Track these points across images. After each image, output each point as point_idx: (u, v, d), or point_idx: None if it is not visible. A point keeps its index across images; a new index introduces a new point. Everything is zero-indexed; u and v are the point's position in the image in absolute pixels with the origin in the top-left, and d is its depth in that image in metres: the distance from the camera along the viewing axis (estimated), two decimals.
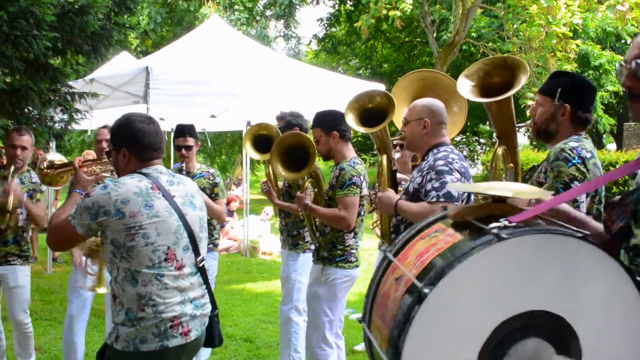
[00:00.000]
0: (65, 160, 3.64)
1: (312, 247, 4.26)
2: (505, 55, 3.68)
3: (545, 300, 1.34)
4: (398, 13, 11.25)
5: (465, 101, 3.23)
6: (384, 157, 3.12)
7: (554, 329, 1.35)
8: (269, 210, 9.92)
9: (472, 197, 2.72)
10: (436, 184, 2.68)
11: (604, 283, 1.37)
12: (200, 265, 2.44)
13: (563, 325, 1.34)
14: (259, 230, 9.85)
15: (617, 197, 1.97)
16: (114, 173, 3.04)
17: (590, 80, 2.79)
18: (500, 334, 1.32)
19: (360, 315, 1.71)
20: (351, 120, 3.19)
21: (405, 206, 2.81)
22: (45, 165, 3.29)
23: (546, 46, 10.54)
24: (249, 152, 4.61)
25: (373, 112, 3.16)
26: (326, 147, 3.57)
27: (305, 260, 4.25)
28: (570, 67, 10.71)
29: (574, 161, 2.30)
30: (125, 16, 5.48)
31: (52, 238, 2.46)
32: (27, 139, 3.77)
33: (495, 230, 1.34)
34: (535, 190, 1.66)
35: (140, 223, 2.26)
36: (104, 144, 3.88)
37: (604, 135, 24.89)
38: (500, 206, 1.51)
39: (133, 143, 2.42)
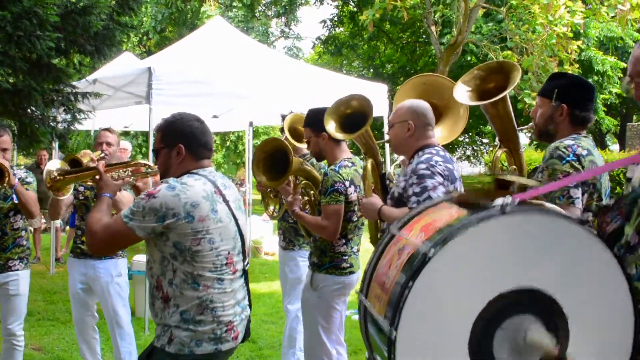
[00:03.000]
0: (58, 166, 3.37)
1: None
2: (501, 60, 3.74)
3: (538, 279, 1.37)
4: (405, 6, 11.25)
5: (466, 107, 3.24)
6: (369, 161, 3.05)
7: (544, 307, 1.39)
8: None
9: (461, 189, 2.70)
10: (417, 189, 2.59)
11: (595, 269, 1.42)
12: (246, 268, 2.48)
13: (555, 307, 1.39)
14: (262, 231, 9.85)
15: (611, 201, 2.05)
16: (142, 176, 3.02)
17: (592, 83, 2.83)
18: (497, 306, 1.35)
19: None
20: (332, 128, 3.12)
21: (388, 212, 2.75)
22: (56, 173, 3.02)
23: (548, 46, 10.51)
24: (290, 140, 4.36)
25: (353, 117, 3.09)
26: (316, 148, 3.44)
27: None
28: (571, 69, 10.68)
29: (568, 158, 2.34)
30: (127, 17, 5.49)
31: (99, 242, 2.30)
32: (5, 140, 3.65)
33: (501, 206, 1.37)
34: (533, 181, 1.70)
35: (208, 228, 2.24)
36: (105, 147, 3.85)
37: (607, 136, 24.83)
38: (504, 192, 1.54)
39: (189, 140, 2.39)
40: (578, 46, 11.07)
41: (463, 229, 1.35)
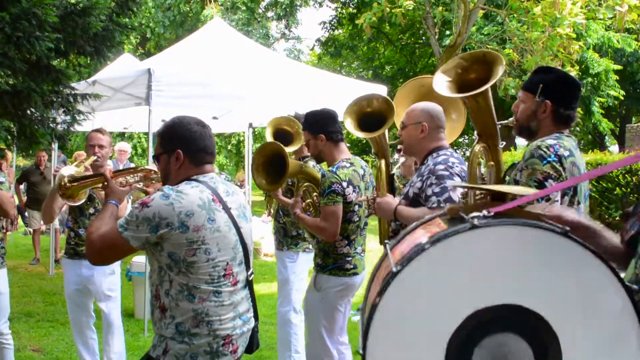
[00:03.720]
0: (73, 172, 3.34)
1: (311, 247, 4.27)
2: (485, 50, 3.60)
3: (521, 294, 1.29)
4: (402, 11, 11.24)
5: (464, 107, 3.21)
6: (382, 161, 3.08)
7: (530, 326, 1.29)
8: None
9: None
10: (437, 189, 2.64)
11: (586, 282, 1.30)
12: (250, 279, 2.39)
13: (541, 323, 1.29)
14: (261, 232, 9.85)
15: (632, 207, 1.91)
16: (150, 182, 2.93)
17: (582, 82, 2.74)
18: (472, 324, 1.28)
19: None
20: (349, 125, 3.15)
21: (405, 212, 2.76)
22: (66, 180, 3.00)
23: (549, 47, 10.51)
24: (266, 136, 4.54)
25: (372, 116, 3.14)
26: (315, 150, 3.46)
27: (304, 261, 4.24)
28: (574, 70, 10.66)
29: (549, 159, 2.22)
30: (127, 18, 5.48)
31: (96, 252, 2.25)
32: None
33: (472, 220, 1.30)
34: (532, 190, 1.64)
35: (203, 238, 2.16)
36: (97, 150, 3.79)
37: (606, 137, 24.85)
38: (496, 204, 1.49)
39: (188, 145, 2.30)
40: (580, 46, 11.05)
41: (429, 246, 1.29)
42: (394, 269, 1.29)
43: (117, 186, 2.62)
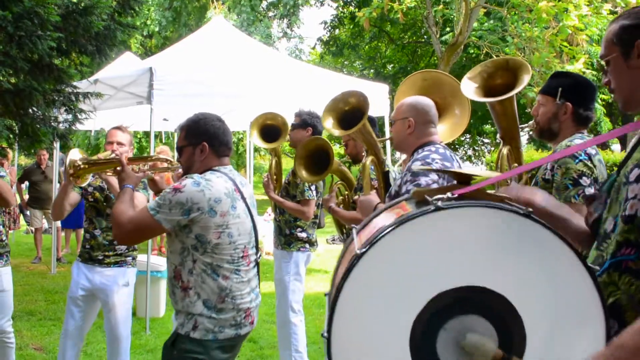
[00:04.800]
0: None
1: (307, 246, 4.27)
2: (508, 57, 3.68)
3: (485, 276, 1.28)
4: (402, 8, 11.24)
5: (468, 101, 3.20)
6: (369, 158, 3.07)
7: (494, 307, 1.29)
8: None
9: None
10: (410, 187, 2.55)
11: (549, 263, 1.29)
12: (259, 260, 2.69)
13: (505, 304, 1.29)
14: (263, 231, 9.85)
15: (595, 191, 2.01)
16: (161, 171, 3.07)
17: (592, 81, 2.82)
18: (436, 307, 1.28)
19: None
20: (329, 124, 3.13)
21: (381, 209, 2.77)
22: (80, 162, 3.03)
23: (552, 44, 10.46)
24: (253, 139, 4.60)
25: (351, 114, 3.09)
26: (354, 151, 3.72)
27: (299, 260, 4.23)
28: (583, 65, 10.55)
29: (580, 157, 2.34)
30: (129, 17, 5.49)
31: (128, 233, 2.43)
32: None
33: (436, 202, 1.30)
34: (494, 174, 1.66)
35: (227, 223, 2.42)
36: (115, 146, 3.64)
37: None
38: (462, 187, 1.48)
39: (213, 138, 2.54)
40: (587, 35, 10.93)
41: (394, 228, 1.29)
42: (358, 252, 1.29)
43: (132, 171, 2.76)
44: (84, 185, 3.53)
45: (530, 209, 1.32)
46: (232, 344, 2.51)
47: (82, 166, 3.08)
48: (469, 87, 2.95)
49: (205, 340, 2.41)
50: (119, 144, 3.68)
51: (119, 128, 3.79)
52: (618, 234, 1.48)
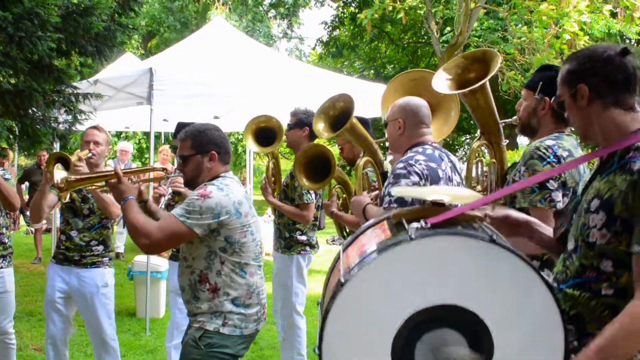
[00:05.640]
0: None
1: (308, 249, 4.23)
2: (484, 49, 3.63)
3: (456, 295, 1.46)
4: (405, 7, 11.23)
5: (457, 100, 3.17)
6: (363, 159, 3.08)
7: (465, 322, 1.46)
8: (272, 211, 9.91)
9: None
10: (390, 189, 2.56)
11: (512, 281, 1.47)
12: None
13: (474, 319, 1.45)
14: (263, 232, 9.84)
15: (564, 206, 2.16)
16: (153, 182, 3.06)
17: None
18: (413, 323, 1.46)
19: None
20: (321, 128, 3.15)
21: (371, 211, 2.78)
22: (73, 178, 2.91)
23: (553, 45, 10.46)
24: (248, 144, 4.52)
25: (341, 118, 3.10)
26: (350, 155, 3.77)
27: (300, 263, 4.20)
28: None
29: (548, 160, 2.24)
30: (129, 18, 5.49)
31: (159, 242, 2.50)
32: None
33: (411, 231, 1.48)
34: (472, 194, 1.73)
35: (249, 222, 2.62)
36: (92, 146, 3.60)
37: None
38: (435, 209, 1.61)
39: (219, 147, 2.69)
40: (585, 42, 10.95)
41: (374, 255, 1.48)
42: (342, 280, 1.47)
43: (128, 182, 2.73)
44: (66, 200, 3.34)
45: (495, 236, 1.49)
46: (251, 339, 2.69)
47: (74, 180, 2.98)
48: (442, 80, 2.87)
49: (234, 335, 2.56)
50: (96, 143, 3.63)
51: (95, 127, 3.75)
52: (582, 257, 1.66)
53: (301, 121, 4.14)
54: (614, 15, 11.37)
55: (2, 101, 4.51)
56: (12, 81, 4.66)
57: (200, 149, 2.67)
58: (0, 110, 4.60)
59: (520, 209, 2.21)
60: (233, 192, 2.58)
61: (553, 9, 10.09)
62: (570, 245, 1.72)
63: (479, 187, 2.90)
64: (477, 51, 2.99)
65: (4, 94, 4.46)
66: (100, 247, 3.69)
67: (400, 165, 2.60)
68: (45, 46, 4.28)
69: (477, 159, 2.95)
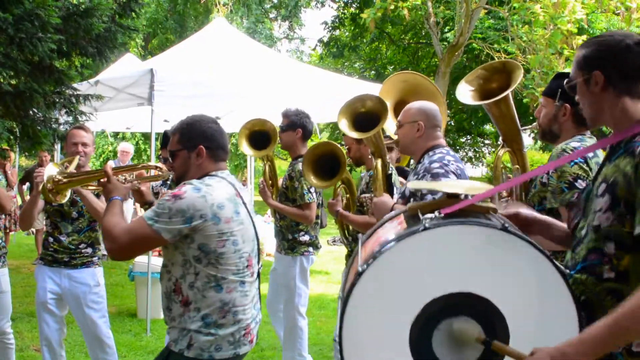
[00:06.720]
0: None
1: (311, 249, 4.22)
2: (504, 60, 3.78)
3: (470, 283, 1.49)
4: (408, 6, 11.25)
5: (445, 105, 3.28)
6: (379, 161, 3.10)
7: (480, 309, 1.49)
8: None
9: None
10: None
11: (524, 268, 1.50)
12: (260, 271, 2.49)
13: (489, 306, 1.49)
14: (263, 232, 9.85)
15: (575, 198, 2.23)
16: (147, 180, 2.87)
17: None
18: (430, 311, 1.49)
19: None
20: (344, 126, 3.15)
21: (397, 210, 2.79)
22: (60, 176, 2.76)
23: (552, 44, 10.46)
24: (242, 148, 4.50)
25: (366, 116, 3.12)
26: (357, 154, 3.71)
27: (304, 264, 4.19)
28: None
29: (576, 160, 2.32)
30: (129, 19, 5.50)
31: (124, 247, 2.22)
32: None
33: (425, 221, 1.52)
34: (485, 186, 1.78)
35: (232, 229, 2.25)
36: (80, 148, 3.48)
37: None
38: (449, 201, 1.66)
39: (210, 141, 2.37)
40: (583, 40, 10.98)
41: (389, 246, 1.51)
42: (359, 269, 1.50)
43: (118, 182, 2.55)
44: (63, 202, 3.14)
45: (507, 224, 1.53)
46: None
47: (62, 180, 2.83)
48: (465, 91, 2.99)
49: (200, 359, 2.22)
50: (84, 144, 3.51)
51: (81, 128, 3.63)
52: (589, 241, 1.66)
53: (293, 123, 4.14)
54: (615, 15, 11.37)
55: (3, 102, 4.52)
56: (13, 82, 4.68)
57: (186, 144, 2.36)
58: (1, 111, 4.62)
59: (550, 210, 2.32)
60: (213, 194, 2.21)
61: (546, 12, 10.13)
62: (582, 233, 1.73)
63: (504, 193, 2.96)
64: (497, 62, 3.15)
65: (5, 95, 4.47)
66: (89, 249, 3.64)
67: (436, 165, 2.66)
68: (46, 47, 4.30)
69: (502, 166, 3.04)
